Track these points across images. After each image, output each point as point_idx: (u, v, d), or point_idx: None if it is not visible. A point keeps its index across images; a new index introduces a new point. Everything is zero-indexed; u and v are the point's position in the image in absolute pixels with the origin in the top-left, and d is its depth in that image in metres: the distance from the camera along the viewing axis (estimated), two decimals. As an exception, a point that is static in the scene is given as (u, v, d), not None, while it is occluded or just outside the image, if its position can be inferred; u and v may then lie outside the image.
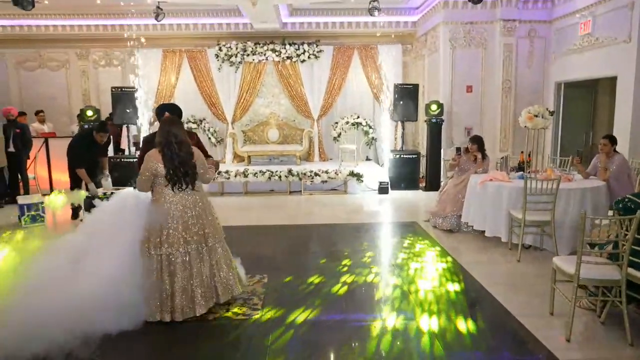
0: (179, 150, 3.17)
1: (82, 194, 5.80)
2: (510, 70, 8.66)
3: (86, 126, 8.65)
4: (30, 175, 8.51)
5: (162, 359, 3.01)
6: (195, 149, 3.36)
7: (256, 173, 8.71)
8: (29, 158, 8.41)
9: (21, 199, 6.56)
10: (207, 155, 4.01)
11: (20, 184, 8.35)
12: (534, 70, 8.71)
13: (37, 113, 9.72)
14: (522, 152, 6.31)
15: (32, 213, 6.43)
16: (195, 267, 3.27)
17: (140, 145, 3.82)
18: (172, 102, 10.19)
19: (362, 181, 8.81)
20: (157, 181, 3.24)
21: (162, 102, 10.10)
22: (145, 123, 9.55)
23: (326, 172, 8.75)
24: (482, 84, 8.88)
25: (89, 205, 5.35)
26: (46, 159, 8.87)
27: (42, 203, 6.38)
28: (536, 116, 5.39)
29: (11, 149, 8.00)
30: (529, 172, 5.47)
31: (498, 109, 8.77)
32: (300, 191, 8.74)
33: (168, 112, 3.77)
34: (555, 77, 8.40)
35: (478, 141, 6.05)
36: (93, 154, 6.20)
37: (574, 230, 4.77)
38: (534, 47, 8.66)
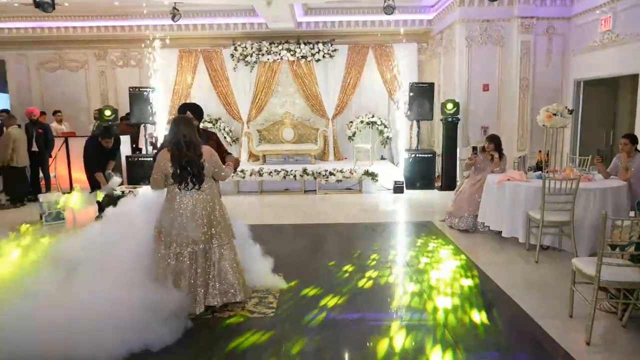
0: (186, 149, 3.19)
1: (101, 194, 5.91)
2: (528, 68, 8.52)
3: (102, 124, 8.80)
4: (50, 174, 8.70)
5: (173, 357, 2.99)
6: (207, 149, 3.36)
7: (271, 172, 8.74)
8: (51, 157, 8.59)
9: (42, 197, 6.69)
10: (227, 153, 4.03)
11: (43, 182, 8.54)
12: (553, 68, 8.56)
13: (54, 113, 9.91)
14: (539, 151, 6.21)
15: (53, 211, 6.56)
16: (200, 266, 3.30)
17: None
18: (188, 102, 10.30)
19: (377, 180, 8.78)
20: (168, 180, 3.28)
21: (182, 102, 10.23)
22: (162, 122, 9.66)
23: (341, 171, 8.74)
24: (499, 82, 8.77)
25: (108, 204, 5.44)
26: (66, 158, 9.05)
27: (61, 201, 6.49)
28: (555, 115, 5.30)
29: (34, 148, 8.19)
30: (547, 172, 5.39)
31: (515, 108, 8.65)
32: (315, 190, 8.75)
33: (190, 112, 3.80)
34: (574, 74, 8.24)
35: (495, 140, 5.98)
36: (103, 156, 6.34)
37: (593, 231, 4.68)
38: (552, 45, 8.52)
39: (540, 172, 5.51)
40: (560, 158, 7.52)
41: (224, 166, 3.54)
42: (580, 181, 4.64)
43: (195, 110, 3.91)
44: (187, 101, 10.28)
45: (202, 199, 3.29)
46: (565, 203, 4.61)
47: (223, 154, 3.96)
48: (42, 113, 9.01)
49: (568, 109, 5.37)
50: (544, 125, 5.46)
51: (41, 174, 8.51)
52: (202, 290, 3.32)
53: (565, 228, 4.75)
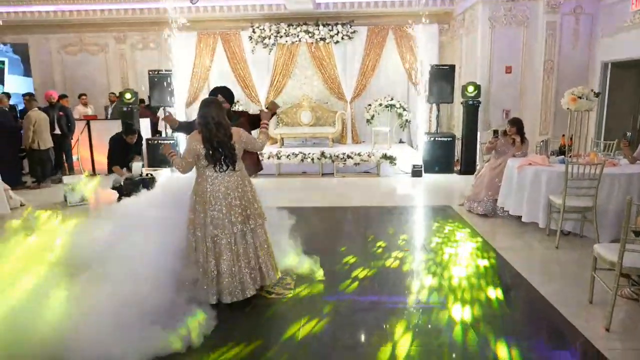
0: (216, 130, 3.18)
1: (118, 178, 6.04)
2: (554, 50, 8.27)
3: (124, 108, 8.94)
4: (73, 156, 8.89)
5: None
6: (235, 130, 3.35)
7: (289, 155, 8.76)
8: (72, 139, 8.78)
9: (67, 179, 6.85)
10: (260, 111, 4.00)
11: (65, 164, 8.75)
12: (579, 49, 8.29)
13: (79, 96, 10.07)
14: (563, 135, 6.06)
15: (77, 193, 6.70)
16: (242, 248, 3.29)
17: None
18: (207, 84, 10.35)
19: (395, 164, 8.72)
20: (199, 163, 3.26)
21: (200, 85, 10.28)
22: (181, 105, 9.74)
23: (359, 154, 8.70)
24: (523, 64, 8.55)
25: (129, 187, 5.56)
26: (88, 141, 9.22)
27: (84, 184, 6.65)
28: (580, 98, 5.15)
29: (57, 131, 8.37)
30: (570, 157, 5.27)
31: (539, 91, 8.44)
32: (333, 173, 8.74)
33: (221, 95, 3.82)
34: (601, 56, 7.97)
35: (517, 124, 5.86)
36: (128, 152, 6.45)
37: (617, 217, 4.58)
38: (579, 25, 8.24)
39: (563, 156, 5.39)
40: (585, 142, 7.31)
41: (255, 138, 3.55)
42: (605, 166, 4.52)
43: (226, 94, 3.94)
44: (206, 84, 10.34)
45: (234, 180, 3.28)
46: (588, 188, 4.51)
47: (257, 120, 4.01)
48: (64, 96, 9.16)
49: (594, 92, 5.21)
50: (568, 109, 5.32)
51: (64, 157, 8.72)
52: (248, 272, 3.30)
53: (588, 214, 4.66)
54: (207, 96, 3.70)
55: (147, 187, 4.75)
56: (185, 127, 4.10)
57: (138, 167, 6.25)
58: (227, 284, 3.24)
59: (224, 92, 3.94)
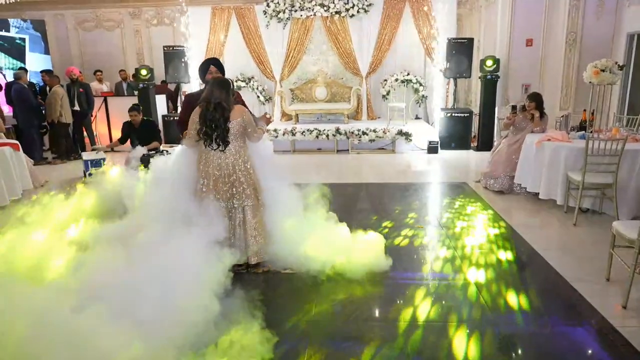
0: (213, 109, 3.28)
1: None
2: (577, 21, 7.99)
3: (141, 85, 8.99)
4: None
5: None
6: (238, 108, 3.41)
7: (304, 132, 8.74)
8: (92, 116, 8.90)
9: (86, 155, 6.97)
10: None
11: (87, 140, 8.90)
12: (604, 20, 7.98)
13: (95, 72, 10.14)
14: (584, 110, 5.92)
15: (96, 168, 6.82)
16: (225, 222, 3.37)
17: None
18: (220, 59, 10.30)
19: (411, 140, 8.65)
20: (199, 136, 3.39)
21: (228, 61, 10.23)
22: (196, 81, 9.74)
23: (374, 130, 8.64)
24: (544, 36, 8.29)
25: (146, 160, 5.67)
26: (106, 117, 9.33)
27: (104, 160, 6.74)
28: (603, 71, 5.01)
29: (76, 107, 8.49)
30: (591, 132, 5.15)
31: (560, 64, 8.19)
32: (348, 150, 8.72)
33: (215, 67, 3.83)
34: (628, 27, 7.66)
35: (536, 99, 5.72)
36: (137, 133, 6.65)
37: (638, 193, 4.50)
38: (605, -6, 7.92)
39: (583, 132, 5.27)
40: (607, 118, 7.15)
41: (257, 127, 3.56)
42: (627, 142, 4.41)
43: (220, 66, 3.92)
44: (221, 59, 10.29)
45: (225, 158, 3.38)
46: (609, 164, 4.42)
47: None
48: (80, 73, 9.24)
49: (618, 65, 5.06)
50: (590, 82, 5.18)
51: (85, 133, 8.86)
52: (239, 244, 3.44)
53: (608, 190, 4.58)
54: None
55: None
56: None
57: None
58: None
59: (218, 64, 3.91)
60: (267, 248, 3.60)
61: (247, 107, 4.02)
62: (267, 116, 3.96)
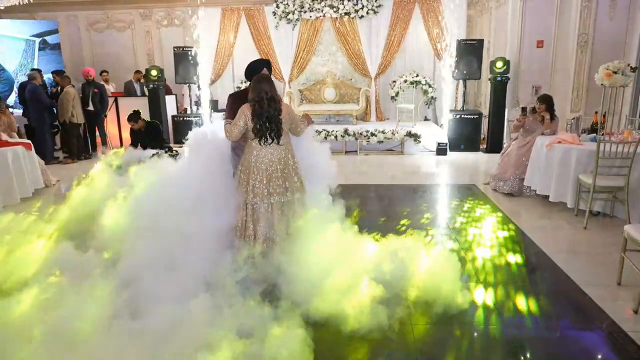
0: (268, 106, 3.31)
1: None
2: (589, 22, 7.90)
3: (151, 86, 9.06)
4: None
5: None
6: (285, 106, 3.48)
7: (312, 133, 8.72)
8: (105, 116, 8.99)
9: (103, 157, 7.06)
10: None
11: (99, 140, 8.99)
12: (617, 21, 7.88)
13: (101, 73, 10.21)
14: (596, 112, 5.85)
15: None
16: (276, 218, 3.46)
17: (227, 100, 4.02)
18: (232, 61, 10.36)
19: (420, 142, 8.62)
20: (248, 134, 3.43)
21: (224, 61, 10.29)
22: (205, 82, 9.79)
23: (383, 132, 8.62)
24: (555, 38, 8.21)
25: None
26: (116, 117, 9.41)
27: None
28: (615, 73, 4.94)
29: (90, 107, 8.58)
30: (602, 134, 5.09)
31: (571, 66, 8.11)
32: (356, 151, 8.71)
33: (266, 68, 3.83)
34: (640, 28, 7.58)
35: (547, 101, 5.67)
36: (140, 138, 6.97)
37: (650, 197, 4.45)
38: (618, -6, 7.83)
39: (595, 134, 5.22)
40: (619, 120, 7.06)
41: (299, 122, 3.63)
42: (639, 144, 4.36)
43: (269, 66, 3.94)
44: (230, 60, 10.34)
45: (277, 153, 3.43)
46: (620, 167, 4.37)
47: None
48: (95, 73, 9.33)
49: (631, 67, 4.99)
50: (602, 85, 5.12)
51: (97, 133, 8.95)
52: (279, 240, 3.46)
53: (619, 194, 4.52)
54: (255, 70, 3.75)
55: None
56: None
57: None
58: (262, 248, 3.41)
59: (268, 66, 3.94)
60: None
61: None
62: (309, 116, 4.00)
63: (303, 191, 3.57)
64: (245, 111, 3.37)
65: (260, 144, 3.38)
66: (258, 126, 3.32)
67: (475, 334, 2.80)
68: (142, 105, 9.00)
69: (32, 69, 9.04)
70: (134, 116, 7.07)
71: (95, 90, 8.60)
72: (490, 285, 3.39)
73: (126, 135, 9.04)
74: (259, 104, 3.30)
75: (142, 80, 10.17)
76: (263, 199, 3.40)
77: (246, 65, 3.86)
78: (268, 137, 3.35)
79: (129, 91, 10.06)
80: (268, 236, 3.45)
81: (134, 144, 7.18)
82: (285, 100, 10.06)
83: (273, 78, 3.82)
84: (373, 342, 2.70)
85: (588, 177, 4.55)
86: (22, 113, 8.79)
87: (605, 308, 3.02)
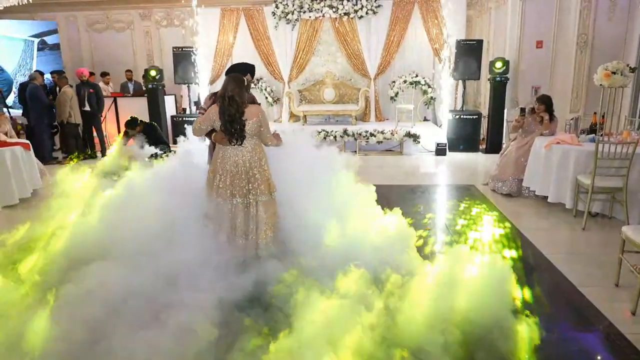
0: (228, 105, 3.31)
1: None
2: (588, 23, 7.88)
3: (150, 86, 9.06)
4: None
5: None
6: (255, 108, 3.45)
7: (311, 133, 8.72)
8: (102, 116, 8.98)
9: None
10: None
11: (96, 140, 8.99)
12: (616, 21, 7.87)
13: (103, 75, 10.22)
14: (595, 113, 5.85)
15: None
16: (240, 218, 3.45)
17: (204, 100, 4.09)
18: (231, 61, 10.36)
19: (419, 142, 8.61)
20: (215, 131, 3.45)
21: (224, 61, 10.30)
22: (205, 82, 9.78)
23: (382, 132, 8.61)
24: (554, 38, 8.20)
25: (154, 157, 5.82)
26: (115, 118, 9.40)
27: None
28: (614, 73, 4.93)
29: (86, 107, 8.57)
30: (601, 135, 5.08)
31: (571, 66, 8.10)
32: (356, 151, 8.70)
33: (238, 71, 3.83)
34: (640, 29, 7.57)
35: (546, 101, 5.66)
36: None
37: (649, 198, 4.44)
38: (617, -5, 7.81)
39: (594, 135, 5.21)
40: (618, 121, 7.05)
41: (269, 130, 3.58)
42: (638, 145, 4.35)
43: (244, 70, 3.93)
44: (229, 61, 10.34)
45: (243, 155, 3.42)
46: (619, 168, 4.36)
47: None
48: (91, 74, 9.34)
49: (630, 67, 4.98)
50: (601, 85, 5.11)
51: (95, 133, 8.94)
52: (242, 242, 3.47)
53: (618, 194, 4.52)
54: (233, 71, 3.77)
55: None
56: None
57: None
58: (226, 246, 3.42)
59: (240, 69, 3.92)
60: (276, 241, 3.59)
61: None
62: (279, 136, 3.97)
63: (268, 194, 3.51)
64: (213, 109, 3.40)
65: (228, 144, 3.40)
66: (224, 125, 3.34)
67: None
68: (141, 105, 9.01)
69: (35, 71, 9.05)
70: (132, 123, 7.13)
71: (91, 90, 8.59)
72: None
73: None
74: (222, 103, 3.32)
75: (133, 79, 10.20)
76: (226, 200, 3.41)
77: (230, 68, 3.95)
78: (232, 138, 3.35)
79: (125, 91, 10.09)
80: (230, 238, 3.42)
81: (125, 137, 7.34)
82: (285, 100, 10.07)
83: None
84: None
85: (587, 177, 4.54)
86: (22, 113, 8.79)
87: (602, 309, 3.01)
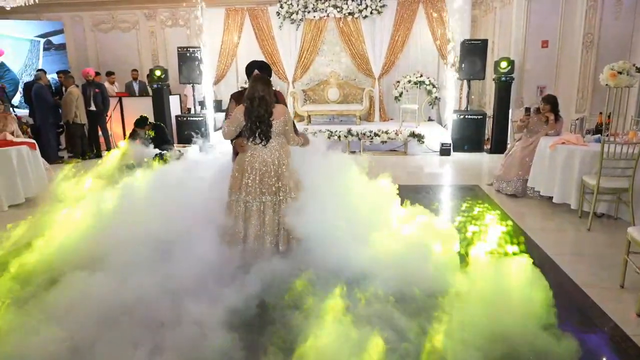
0: (258, 106, 3.36)
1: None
2: (594, 22, 7.83)
3: (155, 85, 9.08)
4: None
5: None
6: (281, 108, 3.52)
7: (315, 133, 8.73)
8: (107, 116, 9.03)
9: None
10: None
11: (102, 140, 9.04)
12: (622, 21, 7.81)
13: (108, 74, 10.26)
14: (600, 113, 5.82)
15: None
16: (268, 216, 3.52)
17: (229, 100, 4.10)
18: (235, 61, 10.38)
19: (423, 142, 8.59)
20: (242, 134, 3.49)
21: (228, 61, 10.33)
22: (209, 82, 9.80)
23: (386, 132, 8.60)
24: (560, 38, 8.16)
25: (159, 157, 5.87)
26: (120, 117, 9.45)
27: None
28: (620, 73, 4.89)
29: (92, 107, 8.62)
30: (607, 135, 5.05)
31: (576, 66, 8.05)
32: (360, 151, 8.69)
33: (257, 70, 3.86)
34: (647, 28, 7.51)
35: (551, 101, 5.63)
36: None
37: (655, 199, 4.40)
38: (624, -6, 7.76)
39: (599, 135, 5.18)
40: (624, 121, 7.00)
41: (294, 129, 3.68)
42: (644, 146, 4.32)
43: (263, 68, 3.97)
44: (234, 61, 10.37)
45: (270, 154, 3.49)
46: (625, 169, 4.34)
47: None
48: (97, 74, 9.39)
49: (636, 67, 4.94)
50: (607, 85, 5.07)
51: (100, 133, 8.99)
52: (270, 238, 3.54)
53: (624, 195, 4.49)
54: (253, 69, 3.85)
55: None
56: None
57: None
58: (252, 246, 3.48)
59: (261, 66, 3.96)
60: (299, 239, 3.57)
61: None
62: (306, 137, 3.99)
63: (297, 192, 3.56)
64: (239, 110, 3.44)
65: (254, 143, 3.44)
66: (248, 125, 3.39)
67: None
68: (146, 104, 9.03)
69: (38, 70, 9.11)
70: (142, 122, 7.13)
71: (96, 90, 8.64)
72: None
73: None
74: (251, 103, 3.36)
75: (139, 79, 10.24)
76: (255, 198, 3.46)
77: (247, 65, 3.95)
78: (256, 137, 3.40)
79: (129, 91, 10.13)
80: (258, 234, 3.49)
81: (132, 137, 7.31)
82: (289, 100, 10.07)
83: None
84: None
85: (592, 178, 4.51)
86: (28, 113, 8.85)
87: (607, 311, 2.99)
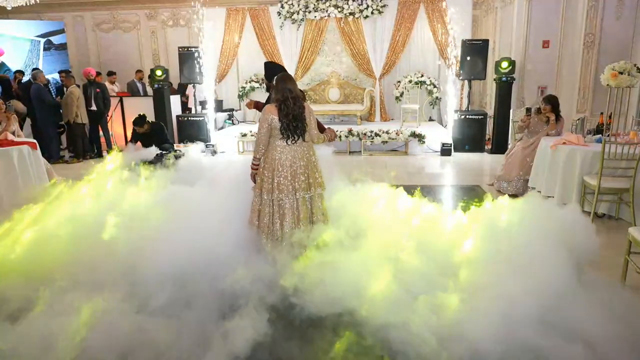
0: (293, 105, 3.38)
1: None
2: (595, 22, 7.84)
3: (157, 86, 9.08)
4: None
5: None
6: (307, 106, 3.55)
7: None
8: (108, 115, 9.03)
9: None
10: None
11: (102, 140, 9.04)
12: (624, 21, 7.82)
13: (109, 74, 10.27)
14: (601, 113, 5.81)
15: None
16: (302, 212, 3.54)
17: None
18: (236, 61, 10.39)
19: (424, 142, 8.59)
20: (271, 133, 3.48)
21: (229, 61, 10.32)
22: (210, 82, 9.81)
23: (387, 132, 8.60)
24: (561, 38, 8.16)
25: (158, 159, 5.83)
26: (121, 117, 9.46)
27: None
28: (621, 73, 4.90)
29: (93, 107, 8.62)
30: (608, 136, 5.05)
31: (578, 66, 8.05)
32: (360, 151, 8.69)
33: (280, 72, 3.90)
34: (648, 28, 7.51)
35: (552, 101, 5.63)
36: (146, 139, 7.11)
37: (656, 199, 4.40)
38: (625, -6, 7.76)
39: (600, 135, 5.18)
40: (625, 121, 7.00)
41: (317, 124, 3.71)
42: (645, 146, 4.32)
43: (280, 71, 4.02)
44: (235, 61, 10.37)
45: (300, 150, 3.51)
46: (626, 169, 4.33)
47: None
48: (98, 73, 9.40)
49: (637, 67, 4.94)
50: (608, 85, 5.08)
51: (101, 132, 8.99)
52: (305, 235, 3.52)
53: (625, 195, 4.49)
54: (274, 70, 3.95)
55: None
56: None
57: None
58: (289, 241, 3.48)
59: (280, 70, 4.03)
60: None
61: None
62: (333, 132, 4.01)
63: (323, 187, 3.66)
64: (271, 112, 3.41)
65: (286, 143, 3.45)
66: (285, 125, 3.39)
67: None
68: (147, 104, 9.04)
69: (34, 69, 9.10)
70: (140, 120, 7.10)
71: (97, 90, 8.64)
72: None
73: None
74: (284, 104, 3.36)
75: (143, 80, 10.24)
76: (288, 195, 3.48)
77: (265, 66, 4.09)
78: (295, 135, 3.42)
79: (131, 91, 10.12)
80: (294, 231, 3.51)
81: (133, 140, 7.24)
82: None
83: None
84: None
85: (593, 178, 4.51)
86: (27, 113, 8.83)
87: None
